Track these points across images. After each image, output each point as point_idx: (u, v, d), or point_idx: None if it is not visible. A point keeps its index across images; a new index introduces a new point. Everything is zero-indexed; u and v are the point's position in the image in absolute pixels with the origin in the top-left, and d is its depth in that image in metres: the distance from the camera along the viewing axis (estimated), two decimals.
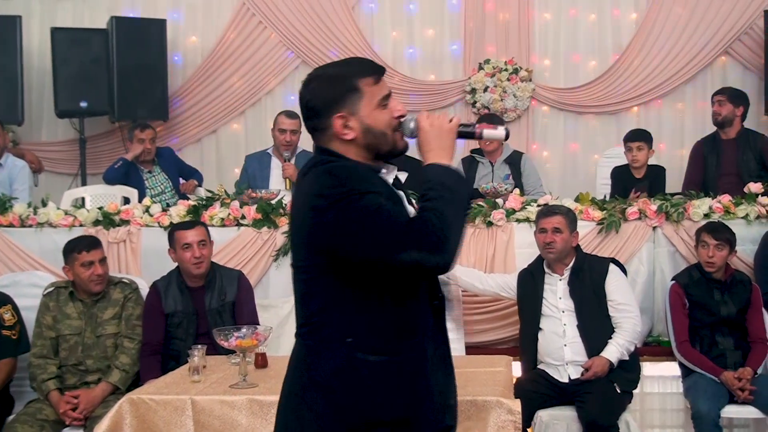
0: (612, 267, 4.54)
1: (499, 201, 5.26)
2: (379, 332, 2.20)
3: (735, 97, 6.13)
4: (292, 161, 5.95)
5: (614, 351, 4.33)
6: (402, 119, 2.30)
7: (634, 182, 5.93)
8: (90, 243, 4.56)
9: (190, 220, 5.02)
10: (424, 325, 2.28)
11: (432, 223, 2.09)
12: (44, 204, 5.48)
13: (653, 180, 5.97)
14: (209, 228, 4.81)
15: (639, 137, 6.06)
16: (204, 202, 5.43)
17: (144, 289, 4.69)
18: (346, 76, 2.27)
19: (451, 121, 2.30)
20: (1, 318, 4.56)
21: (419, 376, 2.24)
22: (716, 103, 6.12)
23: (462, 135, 2.33)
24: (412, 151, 2.39)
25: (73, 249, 4.51)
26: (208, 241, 4.58)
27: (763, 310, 4.68)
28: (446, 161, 2.24)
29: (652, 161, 6.17)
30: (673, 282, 4.77)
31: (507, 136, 2.39)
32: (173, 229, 4.67)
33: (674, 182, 6.64)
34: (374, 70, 2.30)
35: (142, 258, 5.24)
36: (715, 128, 6.24)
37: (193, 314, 4.48)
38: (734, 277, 4.71)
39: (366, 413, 2.18)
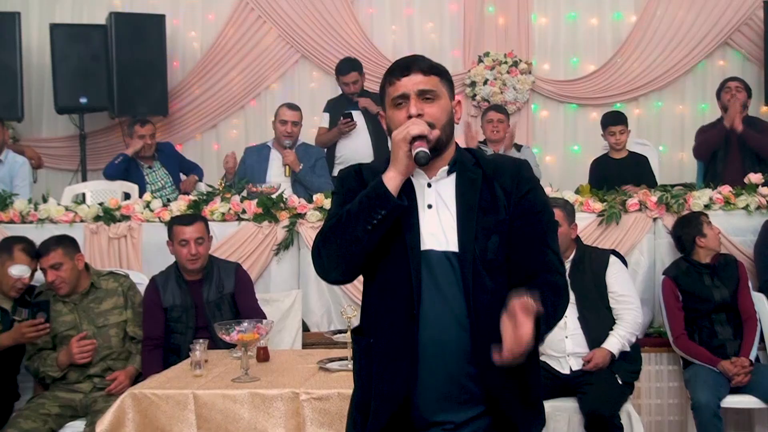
0: (612, 258, 4.54)
1: None
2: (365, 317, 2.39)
3: (747, 86, 6.14)
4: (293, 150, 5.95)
5: (615, 342, 4.33)
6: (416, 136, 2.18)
7: (615, 167, 6.00)
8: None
9: (191, 214, 4.98)
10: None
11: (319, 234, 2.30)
12: (45, 200, 5.47)
13: (636, 168, 5.99)
14: (210, 222, 4.81)
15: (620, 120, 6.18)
16: (204, 197, 5.44)
17: (145, 284, 4.67)
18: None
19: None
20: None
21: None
22: (734, 90, 6.04)
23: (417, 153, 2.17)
24: None
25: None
26: (206, 238, 4.54)
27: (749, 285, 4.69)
28: (391, 175, 2.20)
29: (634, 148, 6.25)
30: (664, 276, 4.77)
31: (425, 160, 2.17)
32: (172, 223, 4.62)
33: (673, 173, 6.64)
34: (390, 70, 2.31)
35: (143, 253, 5.24)
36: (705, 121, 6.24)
37: (192, 308, 4.46)
38: (720, 260, 4.72)
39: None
